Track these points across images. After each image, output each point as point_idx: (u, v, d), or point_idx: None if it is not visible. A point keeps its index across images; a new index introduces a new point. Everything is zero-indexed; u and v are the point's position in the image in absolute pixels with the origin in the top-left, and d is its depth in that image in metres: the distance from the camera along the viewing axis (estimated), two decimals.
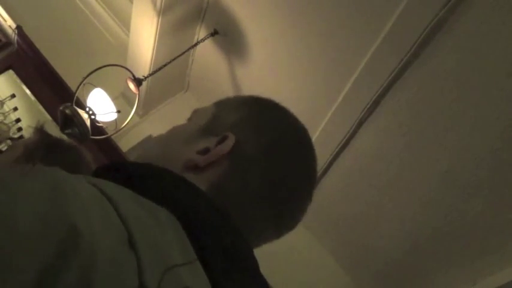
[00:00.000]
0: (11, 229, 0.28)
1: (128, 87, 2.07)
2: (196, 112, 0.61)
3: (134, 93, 2.06)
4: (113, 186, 0.38)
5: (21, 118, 2.54)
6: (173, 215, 0.40)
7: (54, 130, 2.16)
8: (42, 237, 0.28)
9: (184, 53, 2.17)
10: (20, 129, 2.54)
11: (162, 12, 1.99)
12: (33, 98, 2.54)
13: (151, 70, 2.17)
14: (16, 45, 2.56)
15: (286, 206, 0.56)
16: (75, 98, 1.93)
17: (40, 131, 1.11)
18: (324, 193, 2.16)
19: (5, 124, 2.46)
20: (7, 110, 2.53)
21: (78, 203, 0.31)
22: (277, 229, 0.57)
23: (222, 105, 0.59)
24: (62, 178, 0.34)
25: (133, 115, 2.10)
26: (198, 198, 0.46)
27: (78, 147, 1.14)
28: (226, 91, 2.40)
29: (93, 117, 1.98)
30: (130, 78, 2.02)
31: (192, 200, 0.45)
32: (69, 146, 1.12)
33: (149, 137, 2.61)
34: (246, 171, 0.53)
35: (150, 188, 0.43)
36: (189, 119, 0.61)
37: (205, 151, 0.52)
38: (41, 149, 1.04)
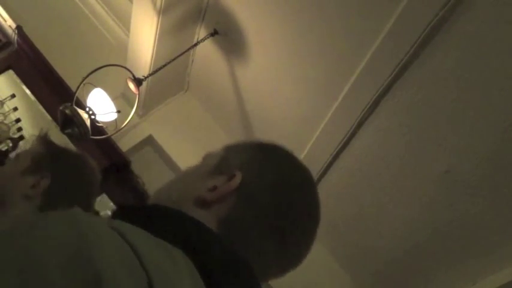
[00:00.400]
0: (36, 274, 0.30)
1: (128, 87, 2.07)
2: (208, 155, 0.66)
3: (134, 93, 2.06)
4: (131, 230, 0.41)
5: (21, 118, 2.53)
6: (186, 254, 0.43)
7: (54, 130, 2.16)
8: (67, 284, 0.30)
9: (184, 53, 2.17)
10: (20, 129, 2.53)
11: (162, 12, 1.99)
12: (33, 98, 2.54)
13: (151, 70, 2.17)
14: (16, 45, 2.56)
15: (290, 241, 0.59)
16: (75, 98, 1.93)
17: (44, 140, 1.11)
18: (324, 193, 2.15)
19: (5, 124, 2.46)
20: (7, 110, 2.53)
21: (100, 250, 0.33)
22: (281, 265, 0.61)
23: (231, 148, 0.64)
24: (85, 224, 0.36)
25: (133, 115, 2.10)
26: (209, 237, 0.50)
27: (83, 155, 1.14)
28: (226, 91, 2.40)
29: (93, 117, 1.98)
30: (130, 78, 2.02)
31: (203, 240, 0.48)
32: (74, 155, 1.13)
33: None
34: (252, 206, 0.56)
35: (165, 230, 0.46)
36: (201, 162, 0.65)
37: (215, 188, 0.56)
38: (47, 159, 1.04)
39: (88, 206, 1.08)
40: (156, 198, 0.61)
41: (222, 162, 0.61)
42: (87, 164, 1.10)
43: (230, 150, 0.64)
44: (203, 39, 2.16)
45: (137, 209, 0.53)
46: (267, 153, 0.63)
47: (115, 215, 0.51)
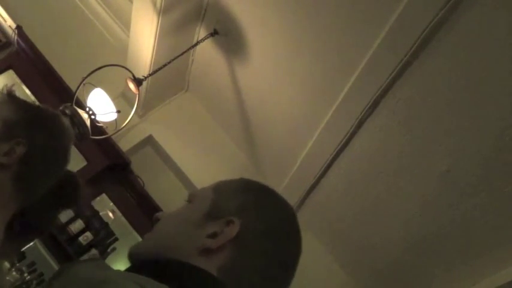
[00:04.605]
0: None
1: (128, 87, 2.07)
2: (195, 196, 0.69)
3: (134, 93, 2.06)
4: (154, 285, 0.49)
5: None
6: None
7: None
8: None
9: (184, 53, 2.17)
10: None
11: (162, 12, 1.99)
12: (33, 98, 2.54)
13: (151, 70, 2.17)
14: (16, 45, 2.56)
15: (283, 283, 0.66)
16: (75, 98, 1.93)
17: (13, 100, 1.00)
18: (324, 193, 2.16)
19: None
20: None
21: None
22: None
23: (219, 191, 0.68)
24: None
25: (133, 115, 2.09)
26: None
27: (57, 114, 1.04)
28: (226, 91, 2.40)
29: (93, 117, 1.98)
30: (130, 78, 2.02)
31: None
32: (50, 116, 1.02)
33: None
34: (250, 254, 0.61)
35: (184, 283, 0.55)
36: (189, 201, 0.69)
37: (214, 235, 0.61)
38: (22, 124, 0.96)
39: (62, 172, 1.01)
40: (159, 245, 0.64)
41: (215, 206, 0.64)
42: (63, 127, 1.02)
43: (220, 193, 0.67)
44: (203, 39, 2.16)
45: (155, 265, 0.58)
46: (257, 198, 0.67)
47: (132, 269, 0.59)
